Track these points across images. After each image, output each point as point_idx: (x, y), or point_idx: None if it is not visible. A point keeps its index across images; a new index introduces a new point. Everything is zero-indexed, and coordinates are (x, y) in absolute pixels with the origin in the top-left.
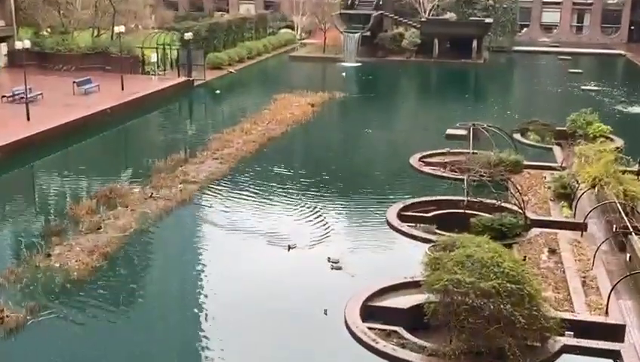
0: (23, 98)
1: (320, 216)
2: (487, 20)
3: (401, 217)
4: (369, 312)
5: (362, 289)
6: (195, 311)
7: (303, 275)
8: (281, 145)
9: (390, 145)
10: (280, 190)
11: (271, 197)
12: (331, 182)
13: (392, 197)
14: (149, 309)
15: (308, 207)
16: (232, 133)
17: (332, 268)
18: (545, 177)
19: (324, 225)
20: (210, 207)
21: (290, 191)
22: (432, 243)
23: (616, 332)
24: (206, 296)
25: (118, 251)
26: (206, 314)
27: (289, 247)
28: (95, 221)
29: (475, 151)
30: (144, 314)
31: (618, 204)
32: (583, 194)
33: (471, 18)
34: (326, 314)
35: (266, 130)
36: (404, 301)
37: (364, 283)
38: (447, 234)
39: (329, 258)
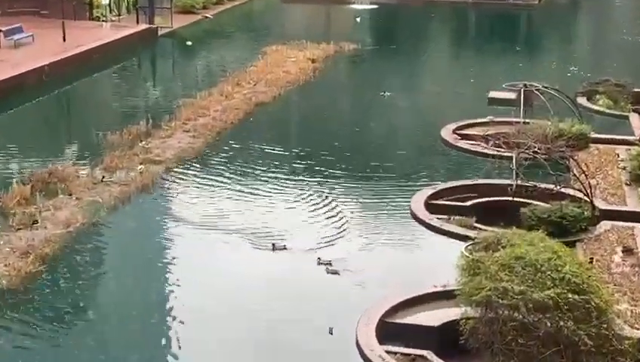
0: None
1: (322, 207)
2: None
3: (430, 207)
4: (388, 331)
5: (378, 301)
6: (159, 330)
7: (297, 284)
8: (272, 114)
9: (415, 113)
10: (270, 174)
11: (258, 182)
12: (337, 163)
13: (417, 181)
14: (100, 327)
15: (306, 196)
16: (209, 98)
17: (328, 272)
18: (618, 155)
19: (328, 218)
20: (179, 194)
21: (283, 175)
22: (471, 241)
23: None
24: (173, 312)
25: (59, 252)
26: (172, 337)
27: (274, 247)
28: (30, 213)
29: (528, 120)
30: (95, 334)
31: None
32: None
33: None
34: (331, 333)
35: (253, 94)
36: (433, 316)
37: (381, 292)
38: (490, 228)
39: (319, 259)
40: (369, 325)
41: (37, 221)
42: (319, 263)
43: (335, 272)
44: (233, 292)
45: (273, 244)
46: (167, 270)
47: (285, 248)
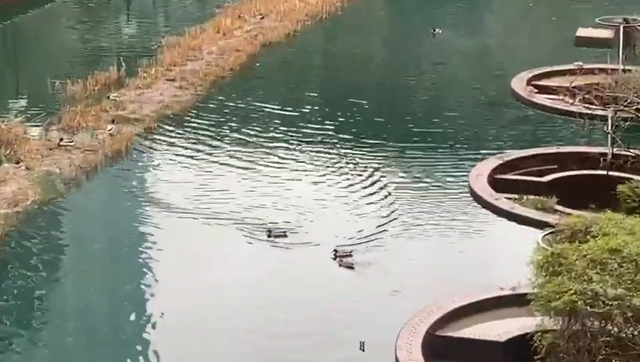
0: None
1: (348, 183)
2: None
3: (495, 183)
4: (437, 347)
5: (426, 308)
6: (131, 344)
7: (316, 285)
8: (285, 58)
9: (477, 58)
10: (279, 139)
11: (263, 150)
12: (370, 125)
13: (478, 149)
14: (58, 338)
15: (327, 170)
16: (201, 36)
17: (340, 266)
18: None
19: (357, 200)
20: (159, 165)
21: (297, 140)
22: (550, 229)
23: None
24: (149, 320)
25: (3, 240)
26: (150, 352)
27: (269, 233)
28: None
29: (628, 67)
30: (51, 347)
31: None
32: None
33: None
34: (363, 349)
35: (259, 31)
36: (498, 328)
37: (429, 297)
38: (576, 212)
39: (335, 251)
40: (413, 339)
41: None
42: (336, 256)
43: (350, 266)
44: (231, 297)
45: (269, 231)
46: (144, 266)
47: (285, 235)
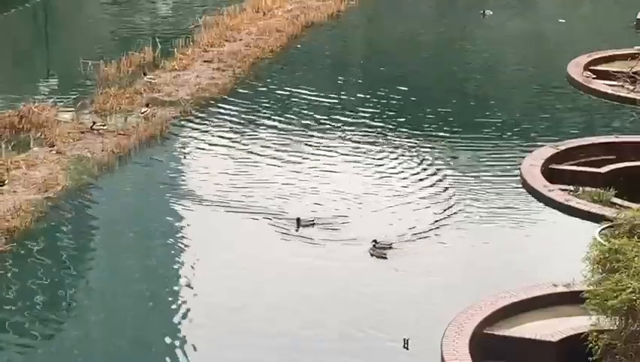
0: None
1: (392, 172)
2: None
3: (550, 174)
4: (485, 346)
5: (473, 305)
6: (168, 343)
7: (357, 279)
8: (329, 40)
9: (530, 41)
10: (321, 125)
11: (306, 136)
12: (418, 111)
13: (531, 137)
14: (87, 335)
15: (370, 158)
16: (240, 16)
17: (372, 255)
18: None
19: (401, 188)
20: (196, 150)
21: (342, 125)
22: (607, 223)
23: None
24: (186, 316)
25: (34, 226)
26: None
27: (299, 223)
28: None
29: None
30: (80, 345)
31: None
32: None
33: None
34: (406, 347)
35: (302, 10)
36: (550, 327)
37: (476, 293)
38: (636, 205)
39: (375, 241)
40: (460, 337)
41: (3, 182)
42: (374, 248)
43: (382, 256)
44: (267, 292)
45: (298, 219)
46: (179, 257)
47: (313, 224)
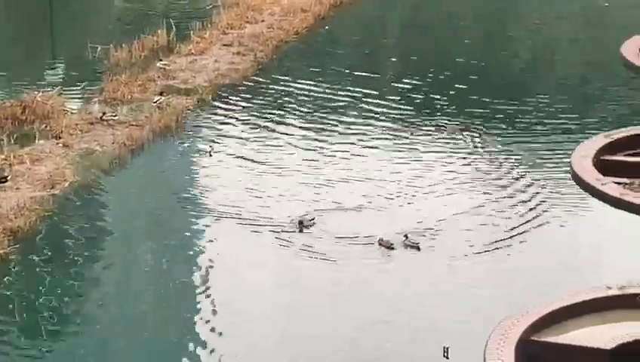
0: None
1: (428, 163)
2: None
3: (602, 165)
4: (533, 354)
5: (519, 311)
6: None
7: (392, 279)
8: (360, 21)
9: (580, 19)
10: (349, 113)
11: (334, 125)
12: (457, 97)
13: (582, 126)
14: (95, 344)
15: (403, 148)
16: None
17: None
18: None
19: (439, 179)
20: (215, 142)
21: (369, 116)
22: None
23: None
24: (207, 326)
25: (38, 226)
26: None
27: (301, 224)
28: None
29: None
30: (86, 355)
31: None
32: None
33: None
34: (447, 355)
35: None
36: (604, 333)
37: (521, 297)
38: None
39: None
40: (505, 345)
41: (5, 178)
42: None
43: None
44: (290, 298)
45: (300, 222)
46: (196, 261)
47: (314, 223)
